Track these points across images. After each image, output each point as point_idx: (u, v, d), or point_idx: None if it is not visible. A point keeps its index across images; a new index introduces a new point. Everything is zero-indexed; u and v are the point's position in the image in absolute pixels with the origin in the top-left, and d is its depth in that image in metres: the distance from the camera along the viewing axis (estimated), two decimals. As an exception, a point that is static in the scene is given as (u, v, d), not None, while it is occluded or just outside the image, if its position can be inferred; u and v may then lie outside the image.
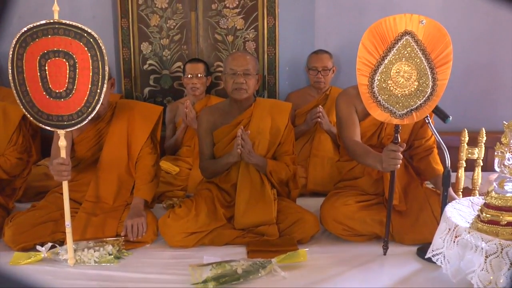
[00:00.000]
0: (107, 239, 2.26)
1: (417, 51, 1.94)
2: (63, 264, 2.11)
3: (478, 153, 2.37)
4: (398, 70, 1.97)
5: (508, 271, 1.61)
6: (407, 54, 1.95)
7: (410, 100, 1.99)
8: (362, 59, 1.97)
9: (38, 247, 2.16)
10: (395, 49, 1.95)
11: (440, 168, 2.42)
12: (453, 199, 2.19)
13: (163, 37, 3.48)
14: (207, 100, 3.30)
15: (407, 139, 2.44)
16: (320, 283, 1.97)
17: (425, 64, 1.95)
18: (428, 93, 1.98)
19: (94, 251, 2.14)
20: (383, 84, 1.98)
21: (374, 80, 1.98)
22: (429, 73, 1.96)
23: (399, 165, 2.03)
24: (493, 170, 1.85)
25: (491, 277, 1.65)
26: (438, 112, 2.15)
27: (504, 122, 1.80)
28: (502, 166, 1.77)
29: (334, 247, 2.30)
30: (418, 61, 1.95)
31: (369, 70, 1.98)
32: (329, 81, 3.35)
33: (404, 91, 1.99)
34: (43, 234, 2.26)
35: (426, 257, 1.94)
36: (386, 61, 1.96)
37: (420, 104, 1.99)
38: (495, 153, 1.79)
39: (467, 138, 2.36)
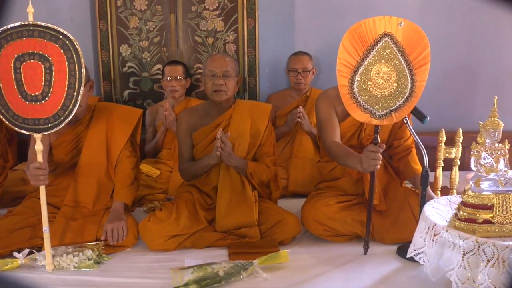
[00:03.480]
0: (87, 243, 2.22)
1: (396, 52, 1.97)
2: (42, 270, 2.06)
3: (456, 152, 2.41)
4: (377, 72, 1.99)
5: (485, 268, 1.64)
6: (387, 56, 1.97)
7: (389, 101, 2.02)
8: (342, 61, 1.99)
9: (15, 254, 2.11)
10: (374, 50, 1.97)
11: (418, 167, 2.45)
12: (431, 198, 2.22)
13: (143, 39, 3.45)
14: (186, 102, 3.29)
15: (386, 140, 2.47)
16: (302, 284, 1.98)
17: (404, 65, 1.98)
18: (407, 94, 2.00)
19: (73, 256, 2.11)
20: (363, 85, 2.00)
21: (354, 81, 2.00)
22: (408, 74, 1.99)
23: (379, 166, 2.05)
24: (471, 169, 1.88)
25: (469, 274, 1.67)
26: (416, 112, 2.18)
27: (480, 122, 1.83)
28: (478, 165, 1.80)
29: (315, 248, 2.31)
30: (397, 62, 1.98)
31: (349, 71, 1.99)
32: (309, 82, 3.37)
33: (384, 92, 2.01)
34: (20, 240, 2.21)
35: (407, 256, 1.96)
36: (365, 63, 1.98)
37: (399, 105, 2.02)
38: (471, 153, 1.83)
39: (444, 138, 2.39)
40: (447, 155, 2.41)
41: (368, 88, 2.00)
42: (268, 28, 3.48)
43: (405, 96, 2.01)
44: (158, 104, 3.38)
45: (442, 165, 2.44)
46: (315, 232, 2.37)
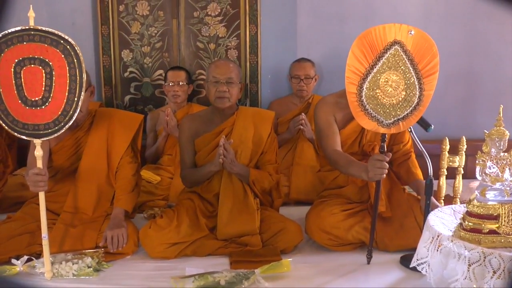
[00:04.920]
0: (86, 251, 2.19)
1: (405, 61, 1.95)
2: (40, 278, 2.03)
3: (459, 161, 2.39)
4: (386, 80, 1.96)
5: (491, 279, 1.61)
6: (396, 64, 1.95)
7: (397, 109, 1.99)
8: (351, 67, 1.96)
9: (14, 261, 2.08)
10: (384, 58, 1.94)
11: (419, 172, 2.44)
12: (436, 206, 2.19)
13: (144, 45, 3.44)
14: (188, 108, 3.27)
15: (386, 145, 2.45)
16: (304, 294, 1.96)
17: (413, 74, 1.95)
18: (415, 103, 1.98)
19: (73, 264, 2.08)
20: (371, 93, 1.98)
21: (363, 89, 1.97)
22: (416, 83, 1.96)
23: (385, 175, 2.03)
24: (474, 178, 1.85)
25: (474, 286, 1.65)
26: (421, 121, 2.16)
27: (485, 131, 1.81)
28: (483, 174, 1.78)
29: (317, 257, 2.28)
30: (406, 71, 1.95)
31: (358, 78, 1.97)
32: (312, 89, 3.36)
33: (392, 100, 1.98)
34: (18, 246, 2.18)
35: (411, 266, 1.94)
36: (375, 70, 1.96)
37: (407, 113, 2.00)
38: (477, 162, 1.80)
39: (448, 147, 2.37)
40: (450, 163, 2.39)
41: (376, 96, 1.98)
42: (270, 34, 3.47)
43: (413, 105, 1.98)
44: (160, 109, 3.36)
45: (446, 173, 2.42)
46: (320, 242, 2.33)
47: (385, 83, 1.96)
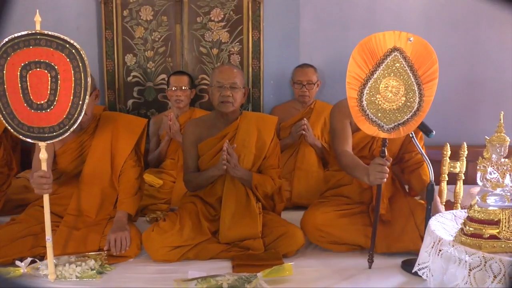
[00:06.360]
0: (89, 253, 2.21)
1: (405, 67, 1.97)
2: (44, 280, 2.05)
3: (460, 166, 2.40)
4: (386, 85, 1.99)
5: (492, 284, 1.62)
6: (396, 70, 1.98)
7: (397, 114, 2.02)
8: (351, 73, 1.99)
9: (17, 262, 2.10)
10: (384, 64, 1.97)
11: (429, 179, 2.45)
12: (439, 211, 2.20)
13: (148, 49, 3.46)
14: (191, 112, 3.29)
15: (397, 153, 2.47)
16: (305, 298, 1.96)
17: (413, 80, 1.98)
18: (415, 108, 2.00)
19: (76, 266, 2.10)
20: (372, 98, 2.00)
21: (363, 94, 2.00)
22: (416, 89, 1.99)
23: (385, 179, 2.05)
24: (474, 183, 1.87)
25: (475, 290, 1.66)
26: (422, 127, 2.18)
27: (486, 137, 1.82)
28: (484, 180, 1.79)
29: (319, 261, 2.29)
30: (406, 77, 1.98)
31: (359, 84, 2.00)
32: (314, 95, 3.37)
33: (392, 105, 2.01)
34: (22, 248, 2.20)
35: (413, 271, 1.94)
36: (375, 76, 1.98)
37: (407, 119, 2.02)
38: (478, 167, 1.82)
39: (449, 152, 2.39)
40: (451, 169, 2.41)
41: (377, 101, 2.00)
42: (273, 40, 3.49)
43: (413, 111, 2.00)
44: (162, 114, 3.38)
45: (447, 179, 2.43)
46: (312, 239, 2.38)
47: (385, 88, 1.99)
